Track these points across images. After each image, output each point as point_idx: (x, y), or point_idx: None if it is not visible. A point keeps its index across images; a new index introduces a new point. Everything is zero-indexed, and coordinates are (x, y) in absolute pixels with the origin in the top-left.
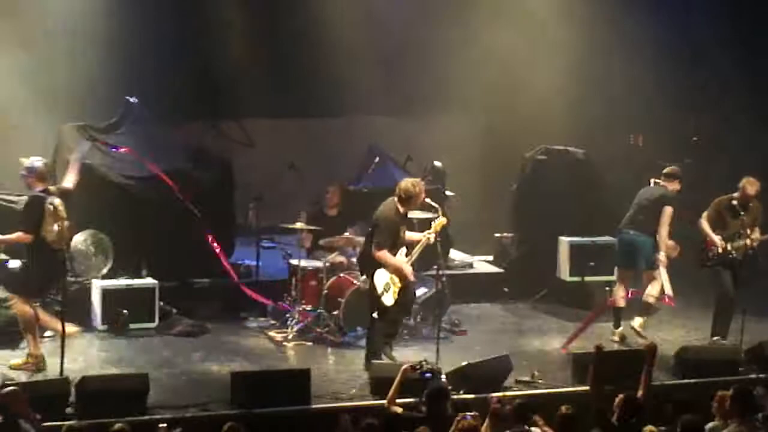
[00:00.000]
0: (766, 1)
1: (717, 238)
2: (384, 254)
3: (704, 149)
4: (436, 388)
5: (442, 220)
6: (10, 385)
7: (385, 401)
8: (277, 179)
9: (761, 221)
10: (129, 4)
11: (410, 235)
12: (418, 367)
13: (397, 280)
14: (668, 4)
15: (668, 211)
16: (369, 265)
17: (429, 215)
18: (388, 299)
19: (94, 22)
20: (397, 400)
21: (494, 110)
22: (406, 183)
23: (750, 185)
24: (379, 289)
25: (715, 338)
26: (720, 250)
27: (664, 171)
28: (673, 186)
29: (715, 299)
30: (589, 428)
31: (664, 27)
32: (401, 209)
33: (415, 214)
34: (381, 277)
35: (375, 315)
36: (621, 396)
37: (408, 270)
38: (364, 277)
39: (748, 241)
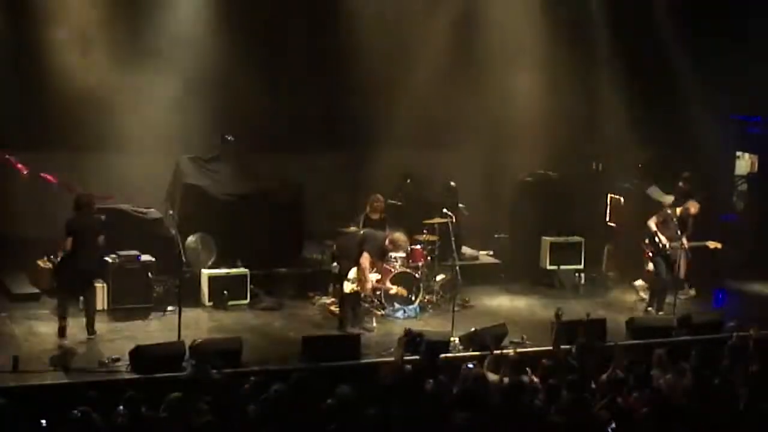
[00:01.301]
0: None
1: (663, 237)
2: (367, 261)
3: (647, 174)
4: (430, 344)
5: None
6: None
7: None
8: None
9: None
10: (227, 62)
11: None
12: (408, 333)
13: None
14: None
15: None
16: (345, 257)
17: (445, 220)
18: (347, 287)
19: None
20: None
21: (492, 141)
22: (399, 237)
23: (692, 206)
24: (349, 276)
25: (649, 309)
26: (661, 246)
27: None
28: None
29: (653, 282)
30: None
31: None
32: (389, 246)
33: (433, 220)
34: (353, 272)
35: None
36: None
37: (367, 286)
38: (335, 264)
39: (684, 243)
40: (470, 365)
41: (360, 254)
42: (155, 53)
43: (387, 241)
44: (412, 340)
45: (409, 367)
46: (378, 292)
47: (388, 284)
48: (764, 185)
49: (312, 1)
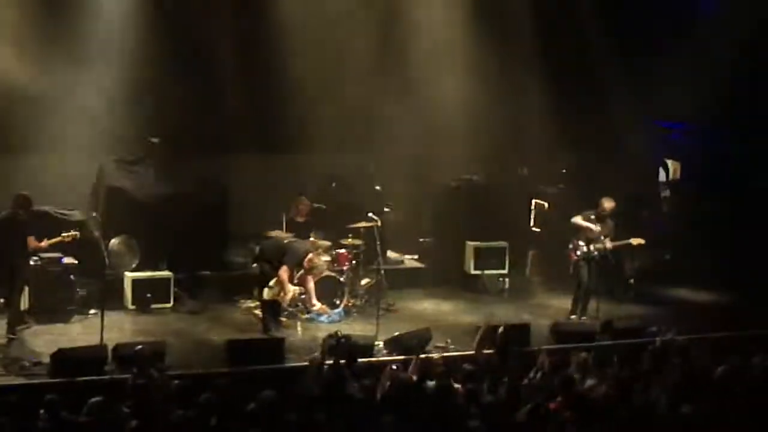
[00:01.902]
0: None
1: (587, 241)
2: (285, 274)
3: (572, 178)
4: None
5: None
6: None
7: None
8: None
9: (614, 235)
10: (153, 64)
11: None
12: (334, 335)
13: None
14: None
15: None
16: (266, 260)
17: (370, 224)
18: (267, 293)
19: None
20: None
21: (418, 145)
22: (317, 262)
23: (606, 201)
24: (270, 284)
25: (572, 316)
26: (585, 249)
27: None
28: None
29: (575, 287)
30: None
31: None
32: (306, 265)
33: (358, 224)
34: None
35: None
36: None
37: (287, 297)
38: (255, 264)
39: (607, 244)
40: (394, 366)
41: (280, 266)
42: (79, 54)
43: (306, 260)
44: (336, 342)
45: (325, 369)
46: (302, 296)
47: (314, 300)
48: (687, 191)
49: (238, 3)
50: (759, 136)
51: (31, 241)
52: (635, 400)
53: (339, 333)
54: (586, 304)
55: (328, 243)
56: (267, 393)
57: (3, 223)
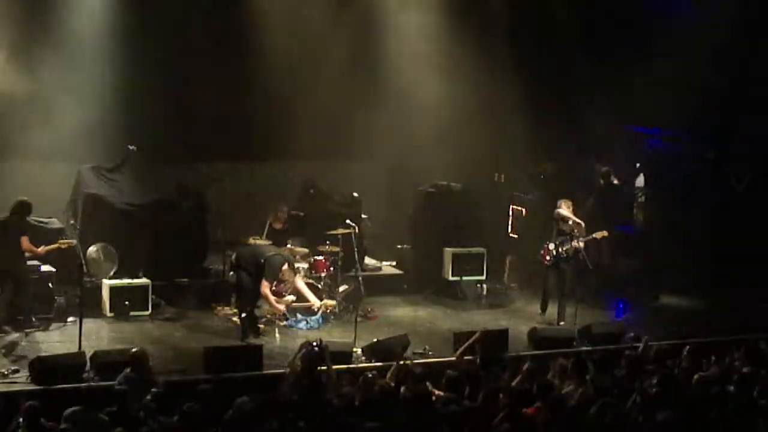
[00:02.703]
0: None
1: (551, 245)
2: (267, 288)
3: (550, 184)
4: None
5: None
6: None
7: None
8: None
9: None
10: (131, 73)
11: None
12: (314, 342)
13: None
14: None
15: None
16: (243, 268)
17: (348, 231)
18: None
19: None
20: None
21: (396, 152)
22: (287, 275)
23: (564, 205)
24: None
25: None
26: (555, 253)
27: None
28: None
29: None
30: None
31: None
32: (281, 277)
33: (336, 231)
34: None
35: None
36: None
37: (280, 308)
38: (232, 273)
39: (574, 244)
40: (369, 374)
41: (258, 276)
42: (57, 62)
43: (281, 273)
44: (311, 348)
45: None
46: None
47: (312, 299)
48: (661, 197)
49: (216, 9)
50: (734, 141)
51: (26, 243)
52: (613, 407)
53: (318, 340)
54: (564, 309)
55: (305, 250)
56: (243, 400)
57: None
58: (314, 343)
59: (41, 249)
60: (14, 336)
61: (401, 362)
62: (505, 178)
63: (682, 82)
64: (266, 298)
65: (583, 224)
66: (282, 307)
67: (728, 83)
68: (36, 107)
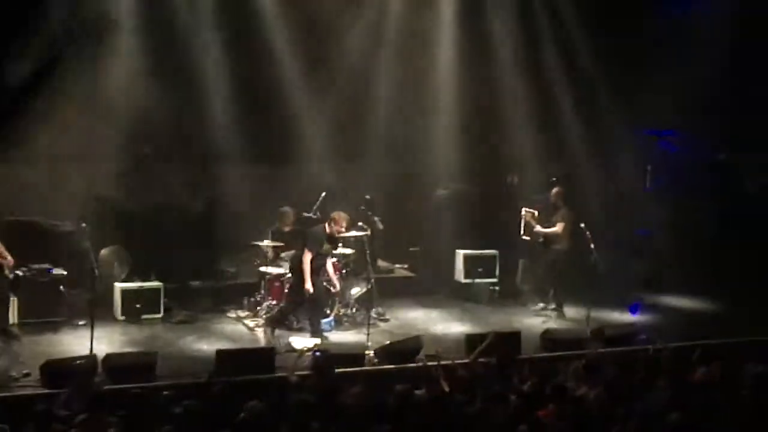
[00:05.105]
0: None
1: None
2: (308, 258)
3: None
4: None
5: None
6: None
7: None
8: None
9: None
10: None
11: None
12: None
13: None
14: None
15: None
16: (297, 266)
17: (361, 234)
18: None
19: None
20: None
21: (409, 154)
22: (336, 212)
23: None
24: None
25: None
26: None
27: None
28: None
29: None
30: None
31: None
32: (328, 229)
33: (349, 234)
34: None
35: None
36: None
37: (307, 285)
38: (290, 274)
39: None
40: (317, 353)
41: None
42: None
43: (326, 226)
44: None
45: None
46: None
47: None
48: (673, 198)
49: (227, 16)
50: (743, 143)
51: None
52: (629, 409)
53: (315, 346)
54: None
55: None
56: (254, 403)
57: None
58: (316, 351)
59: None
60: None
61: (442, 363)
62: (517, 181)
63: (693, 82)
64: (304, 272)
65: (555, 229)
66: (308, 284)
67: (739, 83)
68: (46, 109)
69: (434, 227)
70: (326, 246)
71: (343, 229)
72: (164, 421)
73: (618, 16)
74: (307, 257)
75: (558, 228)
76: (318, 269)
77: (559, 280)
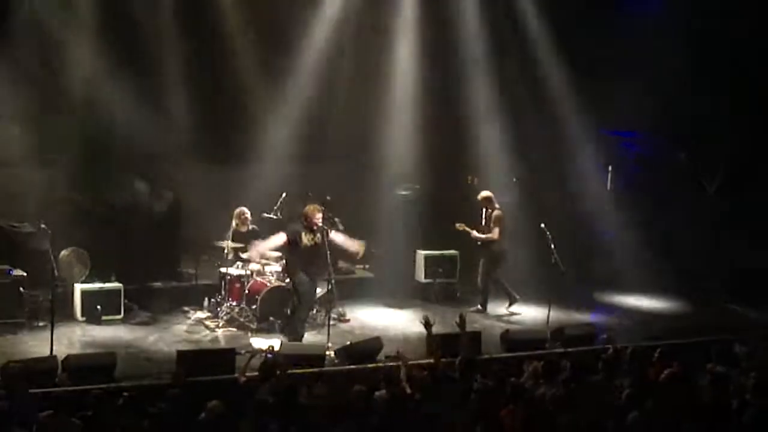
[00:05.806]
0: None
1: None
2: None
3: (522, 188)
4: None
5: None
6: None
7: None
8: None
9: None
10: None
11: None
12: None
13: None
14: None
15: None
16: (292, 272)
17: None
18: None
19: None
20: None
21: (369, 155)
22: (306, 207)
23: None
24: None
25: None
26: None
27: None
28: None
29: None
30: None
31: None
32: (305, 223)
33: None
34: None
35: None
36: None
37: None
38: (288, 280)
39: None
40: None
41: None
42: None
43: (301, 222)
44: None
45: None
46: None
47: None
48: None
49: (189, 17)
50: (706, 144)
51: None
52: (587, 409)
53: (270, 347)
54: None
55: (278, 253)
56: (214, 403)
57: None
58: (268, 352)
59: None
60: None
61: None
62: (478, 181)
63: (654, 84)
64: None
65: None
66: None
67: (699, 84)
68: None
69: (395, 228)
70: (307, 236)
71: (319, 220)
72: (126, 421)
73: (580, 16)
74: (281, 238)
75: (494, 234)
76: (307, 262)
77: (492, 279)
